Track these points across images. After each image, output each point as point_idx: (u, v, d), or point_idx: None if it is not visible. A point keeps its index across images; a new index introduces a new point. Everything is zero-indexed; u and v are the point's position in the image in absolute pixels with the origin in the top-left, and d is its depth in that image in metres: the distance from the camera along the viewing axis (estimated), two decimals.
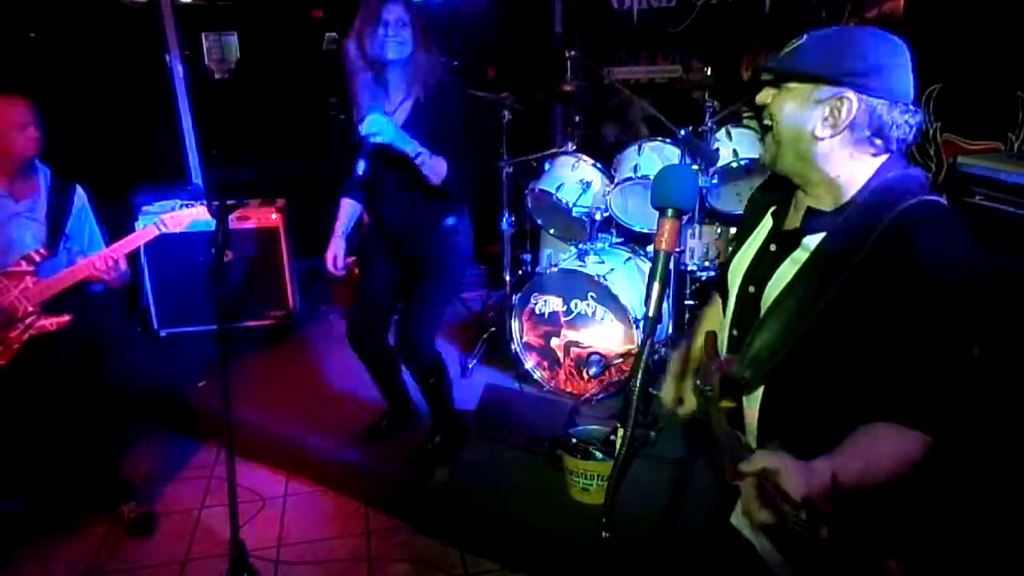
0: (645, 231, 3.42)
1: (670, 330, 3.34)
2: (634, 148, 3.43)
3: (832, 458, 1.08)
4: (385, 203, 2.74)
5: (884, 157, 1.23)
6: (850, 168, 1.22)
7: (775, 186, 1.40)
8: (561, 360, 3.38)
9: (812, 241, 1.24)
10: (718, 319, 1.49)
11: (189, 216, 2.73)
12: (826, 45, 1.22)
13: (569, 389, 3.36)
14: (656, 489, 2.59)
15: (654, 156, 3.37)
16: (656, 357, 3.27)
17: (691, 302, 3.34)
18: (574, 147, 3.61)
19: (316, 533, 2.75)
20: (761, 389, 1.29)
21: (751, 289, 1.33)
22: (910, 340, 1.13)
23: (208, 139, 4.92)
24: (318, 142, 4.80)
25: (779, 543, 1.28)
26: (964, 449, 1.15)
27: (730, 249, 1.48)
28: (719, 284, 1.51)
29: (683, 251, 3.26)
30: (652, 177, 1.28)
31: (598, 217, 3.44)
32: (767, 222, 1.39)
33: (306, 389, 3.61)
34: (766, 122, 1.29)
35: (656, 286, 1.15)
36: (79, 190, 2.81)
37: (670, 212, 1.17)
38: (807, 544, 0.97)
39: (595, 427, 2.81)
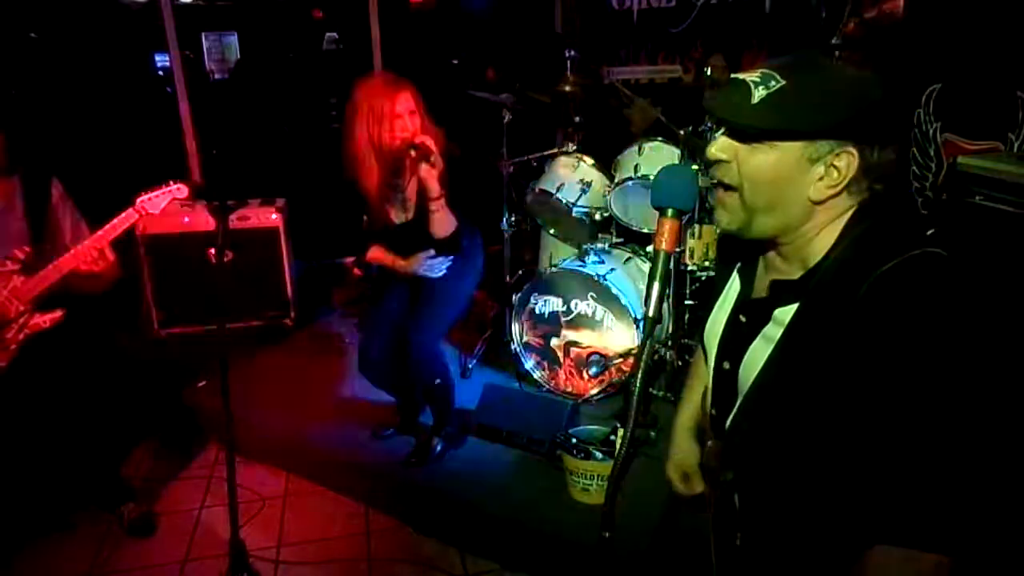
0: (645, 231, 3.42)
1: (670, 330, 3.34)
2: (634, 148, 3.43)
3: None
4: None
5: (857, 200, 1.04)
6: (831, 223, 1.05)
7: (737, 246, 1.20)
8: (561, 360, 3.38)
9: (784, 315, 1.07)
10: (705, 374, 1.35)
11: (167, 195, 2.67)
12: (816, 87, 1.00)
13: (569, 389, 3.36)
14: (656, 489, 2.58)
15: (654, 156, 3.37)
16: (656, 357, 3.27)
17: (691, 302, 3.34)
18: (574, 147, 3.61)
19: (316, 533, 2.74)
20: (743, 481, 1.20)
21: (726, 365, 1.18)
22: (912, 438, 0.95)
23: (208, 139, 4.92)
24: (318, 142, 4.81)
25: None
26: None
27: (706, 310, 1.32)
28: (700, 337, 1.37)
29: (683, 251, 3.26)
30: (652, 177, 1.27)
31: (598, 217, 3.44)
32: (735, 282, 1.22)
33: (306, 389, 3.61)
34: (727, 181, 1.06)
35: (656, 286, 1.14)
36: (55, 182, 2.75)
37: (670, 212, 1.15)
38: None
39: (595, 427, 2.81)
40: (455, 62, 5.11)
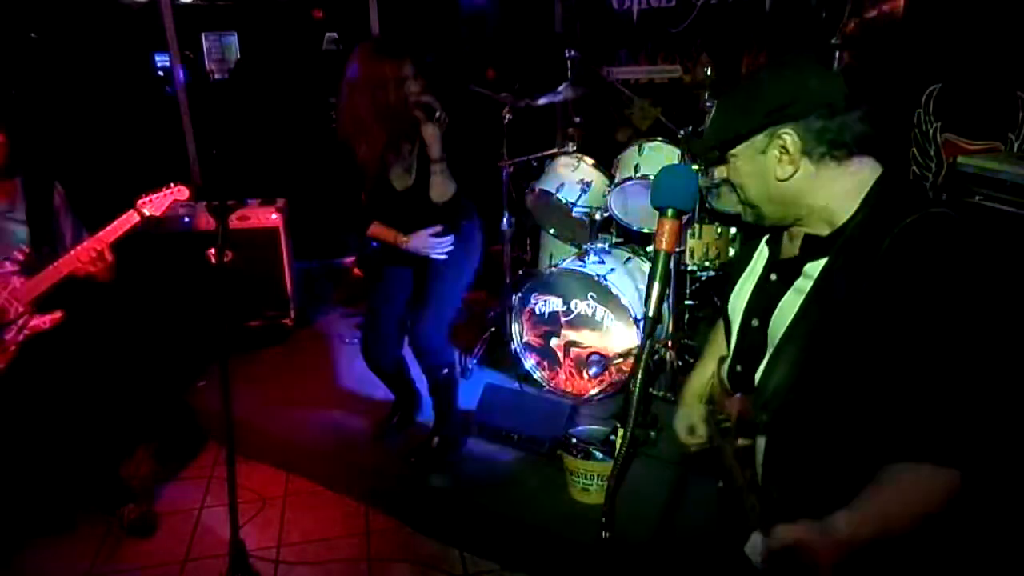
0: (645, 231, 3.42)
1: (670, 330, 3.34)
2: (634, 148, 3.44)
3: (853, 515, 1.06)
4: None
5: (870, 171, 1.20)
6: (832, 190, 1.20)
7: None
8: (561, 360, 3.38)
9: (814, 268, 1.21)
10: (724, 343, 1.45)
11: (169, 197, 2.67)
12: (737, 100, 1.25)
13: (569, 389, 3.36)
14: (656, 489, 2.59)
15: (654, 156, 3.37)
16: (656, 357, 3.28)
17: (691, 302, 3.34)
18: (574, 147, 3.61)
19: (316, 533, 2.75)
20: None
21: (754, 322, 1.30)
22: (929, 366, 1.07)
23: (208, 139, 4.92)
24: (318, 142, 4.80)
25: None
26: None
27: (730, 276, 1.46)
28: (721, 310, 1.46)
29: (683, 251, 3.26)
30: (652, 177, 1.28)
31: (598, 217, 3.44)
32: (763, 251, 1.37)
33: (306, 389, 3.61)
34: (736, 192, 1.29)
35: (656, 286, 1.15)
36: (57, 187, 2.78)
37: (670, 212, 1.16)
38: None
39: (595, 427, 2.81)
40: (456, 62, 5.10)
